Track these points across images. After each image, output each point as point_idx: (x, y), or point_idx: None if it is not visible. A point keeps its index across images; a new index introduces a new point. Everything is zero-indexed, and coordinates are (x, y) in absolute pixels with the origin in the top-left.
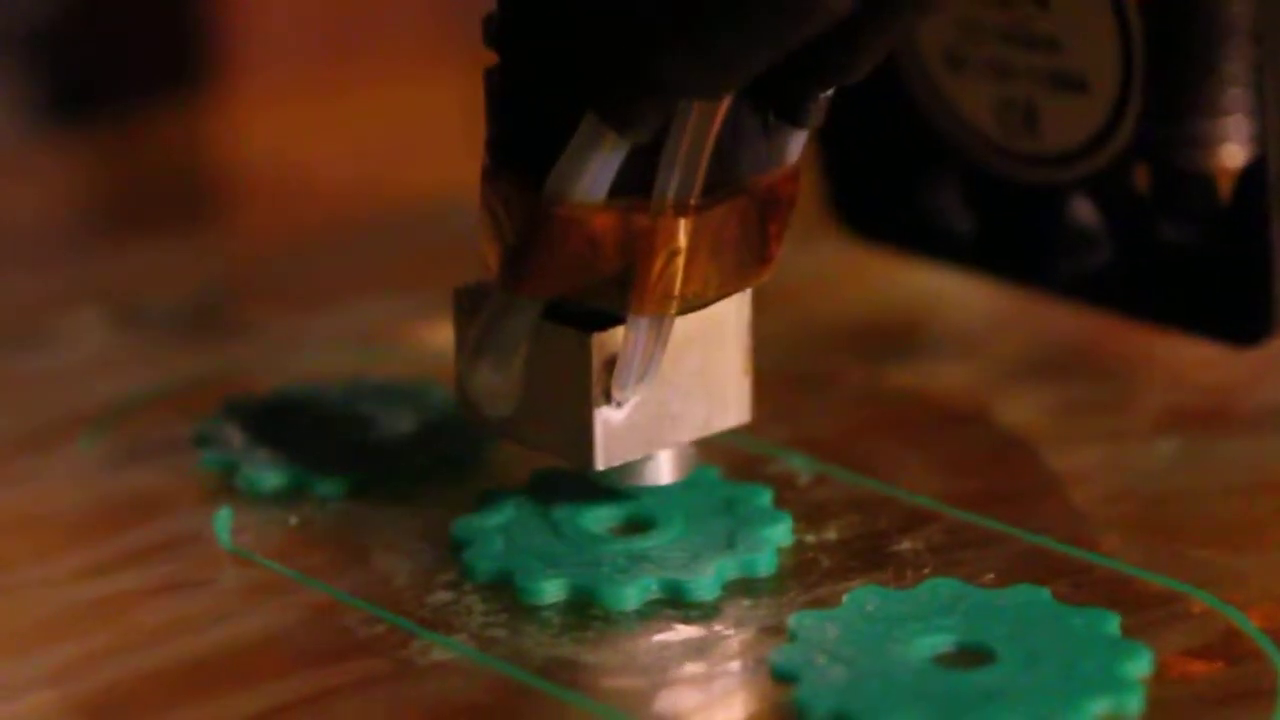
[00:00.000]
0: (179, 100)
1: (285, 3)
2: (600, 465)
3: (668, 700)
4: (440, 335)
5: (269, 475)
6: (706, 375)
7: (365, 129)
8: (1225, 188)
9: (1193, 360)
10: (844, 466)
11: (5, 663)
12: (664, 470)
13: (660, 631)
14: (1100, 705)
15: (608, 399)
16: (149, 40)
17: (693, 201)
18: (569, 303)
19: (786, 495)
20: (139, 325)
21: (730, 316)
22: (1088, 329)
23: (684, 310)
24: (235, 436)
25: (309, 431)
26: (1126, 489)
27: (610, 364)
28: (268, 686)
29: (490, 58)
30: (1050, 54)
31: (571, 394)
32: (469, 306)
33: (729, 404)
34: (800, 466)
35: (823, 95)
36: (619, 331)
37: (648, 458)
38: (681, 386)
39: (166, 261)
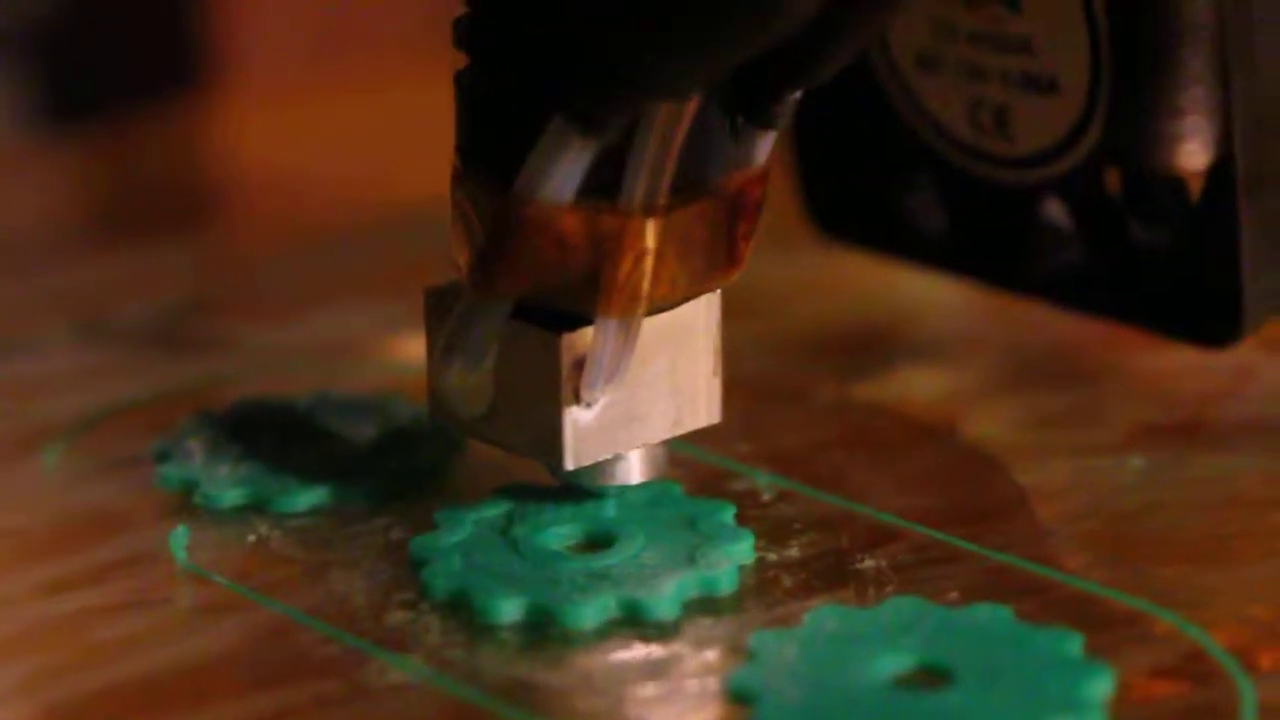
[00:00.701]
0: (172, 104)
1: (279, 6)
2: (570, 465)
3: None
4: (412, 347)
5: (227, 492)
6: (676, 375)
7: (358, 134)
8: (1194, 189)
9: (1165, 373)
10: (809, 482)
11: None
12: (634, 470)
13: (619, 651)
14: None
15: (577, 399)
16: (142, 44)
17: (661, 203)
18: (539, 303)
19: (749, 512)
20: (110, 336)
21: (700, 317)
22: (1060, 340)
23: (652, 311)
24: (196, 452)
25: (270, 447)
26: (1094, 506)
27: (580, 364)
28: (221, 706)
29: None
30: (1021, 55)
31: (541, 394)
32: (439, 307)
33: (699, 404)
34: (764, 483)
35: (791, 97)
36: (588, 332)
37: (618, 458)
38: (651, 386)
39: (149, 268)
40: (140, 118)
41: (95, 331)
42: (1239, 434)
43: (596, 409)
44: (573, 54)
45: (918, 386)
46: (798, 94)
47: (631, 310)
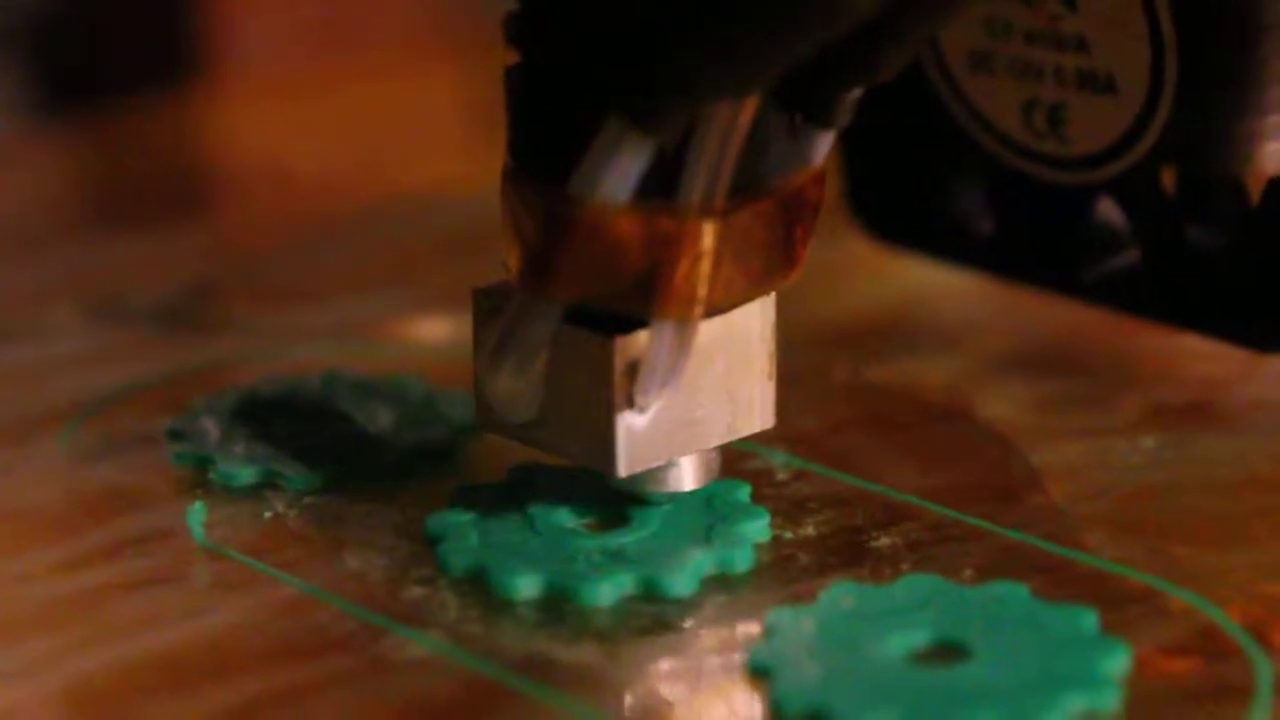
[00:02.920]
0: (169, 94)
1: None
2: (622, 472)
3: (642, 697)
4: (423, 331)
5: (243, 470)
6: (731, 380)
7: (355, 124)
8: (1254, 191)
9: (1179, 355)
10: (824, 462)
11: None
12: (687, 476)
13: (636, 627)
14: (1076, 702)
15: (630, 404)
16: (139, 34)
17: (718, 204)
18: (591, 305)
19: (765, 491)
20: (122, 319)
21: (755, 320)
22: (1074, 323)
23: (708, 314)
24: (211, 431)
25: (285, 426)
26: (1108, 485)
27: (633, 368)
28: (239, 682)
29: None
30: (1078, 54)
31: (593, 399)
32: (489, 308)
33: (753, 409)
34: (780, 462)
35: (850, 95)
36: (642, 335)
37: (670, 464)
38: (705, 391)
39: (153, 254)
40: (137, 108)
41: (105, 315)
42: (1250, 415)
43: (650, 414)
44: (629, 52)
45: (931, 369)
46: (857, 92)
47: (688, 313)
